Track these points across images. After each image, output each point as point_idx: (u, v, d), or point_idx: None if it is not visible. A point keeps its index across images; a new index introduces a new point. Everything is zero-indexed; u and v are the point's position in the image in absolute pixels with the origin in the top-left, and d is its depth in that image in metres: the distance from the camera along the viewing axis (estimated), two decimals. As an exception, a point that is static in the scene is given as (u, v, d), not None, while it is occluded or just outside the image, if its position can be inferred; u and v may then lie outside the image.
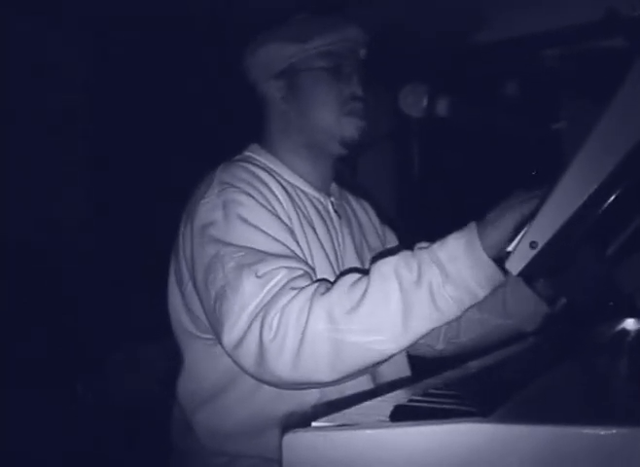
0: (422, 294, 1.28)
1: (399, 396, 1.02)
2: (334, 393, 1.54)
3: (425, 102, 1.50)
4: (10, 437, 2.66)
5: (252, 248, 1.45)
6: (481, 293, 1.27)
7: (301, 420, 0.88)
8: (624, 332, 1.55)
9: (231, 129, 1.89)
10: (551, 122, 1.19)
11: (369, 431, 0.84)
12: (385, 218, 2.05)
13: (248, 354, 1.36)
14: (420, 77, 1.53)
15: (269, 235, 1.49)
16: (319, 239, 1.67)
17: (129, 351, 2.85)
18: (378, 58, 1.74)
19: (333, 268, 1.66)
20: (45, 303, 2.98)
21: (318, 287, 1.37)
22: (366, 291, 1.31)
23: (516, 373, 1.19)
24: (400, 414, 0.90)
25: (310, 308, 1.32)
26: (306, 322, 1.31)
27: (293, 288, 1.37)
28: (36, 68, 3.25)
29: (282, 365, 1.32)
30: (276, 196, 1.61)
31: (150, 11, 3.28)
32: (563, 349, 1.42)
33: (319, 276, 1.56)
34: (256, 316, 1.36)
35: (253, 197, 1.55)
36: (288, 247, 1.50)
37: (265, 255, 1.44)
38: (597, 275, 1.04)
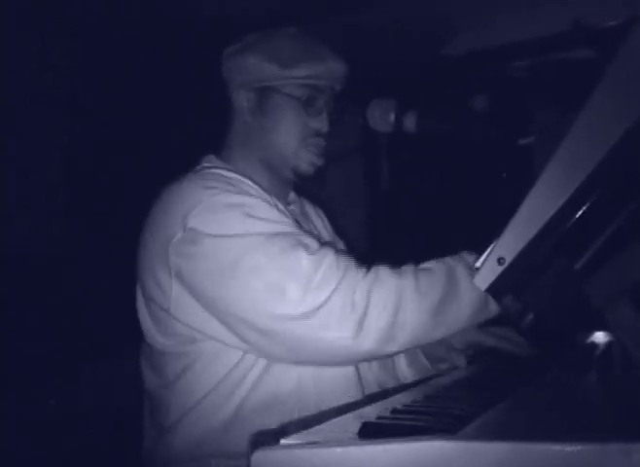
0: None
1: (368, 412, 1.02)
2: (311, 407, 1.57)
3: (393, 117, 1.49)
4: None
5: (279, 232, 1.48)
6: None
7: (269, 437, 0.88)
8: (594, 345, 1.55)
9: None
10: (520, 136, 1.19)
11: (337, 449, 0.84)
12: (335, 225, 2.06)
13: (325, 324, 1.41)
14: (388, 91, 1.52)
15: (285, 222, 1.55)
16: None
17: (102, 363, 2.86)
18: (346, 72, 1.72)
19: None
20: (31, 314, 2.99)
21: (385, 269, 1.45)
22: (438, 279, 1.44)
23: (485, 389, 1.19)
24: (368, 432, 0.90)
25: (391, 288, 1.41)
26: (388, 298, 1.40)
27: (357, 268, 1.45)
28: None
29: (362, 336, 1.40)
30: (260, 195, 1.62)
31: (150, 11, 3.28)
32: (532, 365, 1.43)
33: None
34: (333, 290, 1.40)
35: (248, 194, 1.56)
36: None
37: (299, 236, 1.49)
38: (566, 289, 1.04)
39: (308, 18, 3.24)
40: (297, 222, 1.74)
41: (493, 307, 1.41)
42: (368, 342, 1.39)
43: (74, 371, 3.03)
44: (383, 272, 1.43)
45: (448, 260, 1.47)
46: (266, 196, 1.65)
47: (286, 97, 1.68)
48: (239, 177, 1.69)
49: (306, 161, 1.71)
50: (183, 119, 3.56)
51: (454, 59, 3.46)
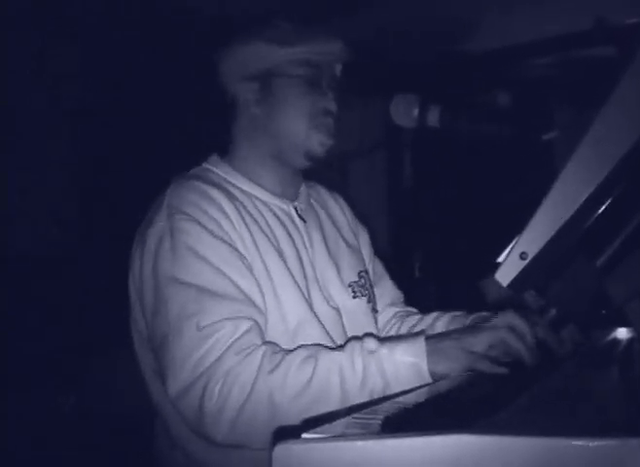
0: (362, 397, 1.35)
1: (389, 407, 1.02)
2: None
3: (416, 112, 1.49)
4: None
5: (198, 288, 1.45)
6: None
7: (291, 432, 0.88)
8: (616, 341, 1.54)
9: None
10: (543, 132, 1.18)
11: (359, 442, 0.83)
12: (358, 214, 2.04)
13: (188, 409, 1.41)
14: (411, 86, 1.52)
15: (217, 269, 1.48)
16: (279, 251, 1.64)
17: (109, 364, 2.85)
18: (370, 67, 1.72)
19: (294, 280, 1.63)
20: (31, 314, 2.98)
21: (263, 358, 1.39)
22: (310, 382, 1.36)
23: (505, 383, 1.19)
24: (390, 426, 0.90)
25: (254, 386, 1.36)
26: (247, 398, 1.36)
27: (237, 352, 1.40)
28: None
29: (217, 430, 1.38)
30: (228, 216, 1.58)
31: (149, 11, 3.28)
32: (553, 359, 1.42)
33: (278, 289, 1.58)
34: (198, 377, 1.39)
35: (202, 225, 1.52)
36: (236, 283, 1.49)
37: (208, 301, 1.44)
38: (588, 286, 1.04)
39: (309, 19, 3.26)
40: (301, 218, 1.76)
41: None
42: (222, 436, 1.39)
43: (74, 371, 3.02)
44: (256, 365, 1.39)
45: (333, 358, 1.40)
46: (237, 213, 1.61)
47: (289, 79, 1.68)
48: (239, 180, 1.70)
49: (317, 141, 1.70)
50: (183, 119, 3.55)
51: (477, 56, 3.46)
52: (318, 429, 0.90)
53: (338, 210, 1.96)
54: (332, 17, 3.36)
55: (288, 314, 1.59)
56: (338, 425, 0.93)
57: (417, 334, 1.46)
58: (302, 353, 1.42)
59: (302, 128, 1.69)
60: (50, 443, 2.80)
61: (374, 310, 1.82)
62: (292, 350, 1.45)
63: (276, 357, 1.41)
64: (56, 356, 2.99)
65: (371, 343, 1.41)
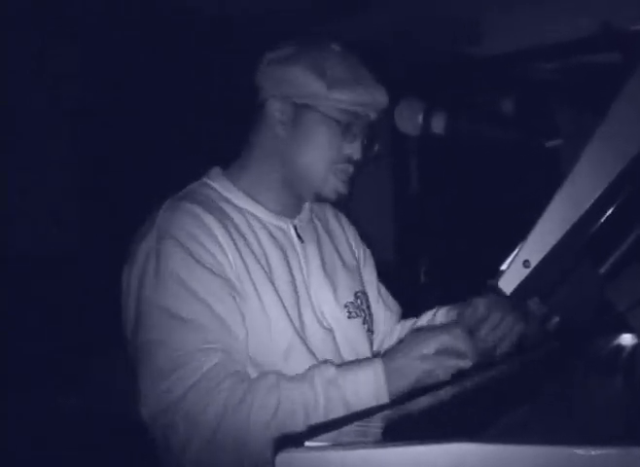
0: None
1: (392, 415, 1.02)
2: None
3: (421, 119, 1.48)
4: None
5: (174, 314, 1.44)
6: None
7: (294, 440, 0.88)
8: (620, 348, 1.54)
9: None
10: (547, 138, 1.18)
11: (362, 451, 0.83)
12: (359, 229, 1.99)
13: (156, 436, 1.43)
14: (415, 93, 1.51)
15: (195, 296, 1.47)
16: (270, 276, 1.61)
17: (117, 363, 2.85)
18: (374, 69, 1.70)
19: (281, 300, 1.59)
20: (31, 314, 2.98)
21: (229, 395, 1.40)
22: (274, 416, 1.38)
23: (509, 392, 1.19)
24: (393, 434, 0.90)
25: (219, 424, 1.37)
26: (212, 436, 1.37)
27: (203, 388, 1.39)
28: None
29: (184, 461, 1.39)
30: (218, 241, 1.54)
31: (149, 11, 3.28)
32: (557, 367, 1.42)
33: (268, 311, 1.56)
34: (165, 409, 1.39)
35: (188, 251, 1.49)
36: (215, 312, 1.48)
37: (184, 329, 1.44)
38: (591, 293, 1.04)
39: (310, 18, 3.26)
40: (299, 238, 1.72)
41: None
42: (189, 466, 1.40)
43: (74, 371, 3.03)
44: (221, 400, 1.39)
45: (295, 392, 1.42)
46: (227, 236, 1.57)
47: (325, 118, 1.61)
48: (238, 197, 1.66)
49: (332, 186, 1.65)
50: (183, 119, 3.56)
51: (481, 61, 3.45)
52: (321, 437, 0.90)
53: (339, 230, 1.91)
54: (332, 17, 3.38)
55: (277, 336, 1.57)
56: (341, 433, 0.93)
57: (374, 357, 1.53)
58: (265, 382, 1.43)
59: (320, 170, 1.64)
60: (50, 443, 2.81)
61: (370, 331, 1.80)
62: (256, 379, 1.47)
63: (240, 390, 1.41)
64: (56, 356, 3.00)
65: (329, 371, 1.43)
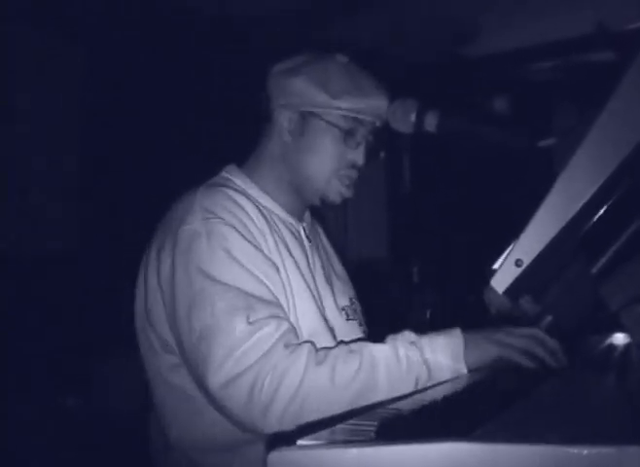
0: (408, 386, 1.41)
1: (385, 414, 1.02)
2: None
3: (413, 117, 1.49)
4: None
5: (239, 289, 1.47)
6: None
7: (286, 438, 0.88)
8: (613, 347, 1.54)
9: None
10: (540, 138, 1.18)
11: (354, 449, 0.83)
12: (331, 241, 2.05)
13: (233, 399, 1.40)
14: (409, 92, 1.52)
15: (254, 274, 1.51)
16: (296, 262, 1.68)
17: (117, 364, 2.86)
18: (370, 69, 1.71)
19: (311, 291, 1.67)
20: (32, 314, 2.98)
21: (310, 353, 1.42)
22: (357, 372, 1.40)
23: (501, 391, 1.19)
24: (385, 433, 0.90)
25: (303, 377, 1.38)
26: (297, 389, 1.37)
27: (286, 345, 1.42)
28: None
29: (266, 422, 1.38)
30: (255, 223, 1.61)
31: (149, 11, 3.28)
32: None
33: (297, 301, 1.61)
34: (249, 367, 1.39)
35: (236, 229, 1.55)
36: (270, 288, 1.52)
37: (253, 300, 1.47)
38: (584, 292, 1.04)
39: (310, 19, 3.26)
40: (308, 239, 1.80)
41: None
42: (270, 427, 1.39)
43: (74, 371, 3.03)
44: (304, 358, 1.41)
45: (377, 349, 1.45)
46: (263, 220, 1.65)
47: (328, 125, 1.68)
48: (257, 193, 1.72)
49: (336, 190, 1.73)
50: (183, 119, 3.56)
51: (476, 61, 3.45)
52: (313, 436, 0.90)
53: (325, 239, 2.00)
54: (331, 17, 3.38)
55: (302, 323, 1.61)
56: (334, 432, 0.93)
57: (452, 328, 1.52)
58: (345, 348, 1.47)
59: (325, 175, 1.71)
60: (50, 443, 2.81)
61: (366, 333, 1.85)
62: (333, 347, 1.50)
63: (321, 352, 1.45)
64: (56, 356, 3.00)
65: (410, 335, 1.47)
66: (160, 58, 3.44)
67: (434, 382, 1.41)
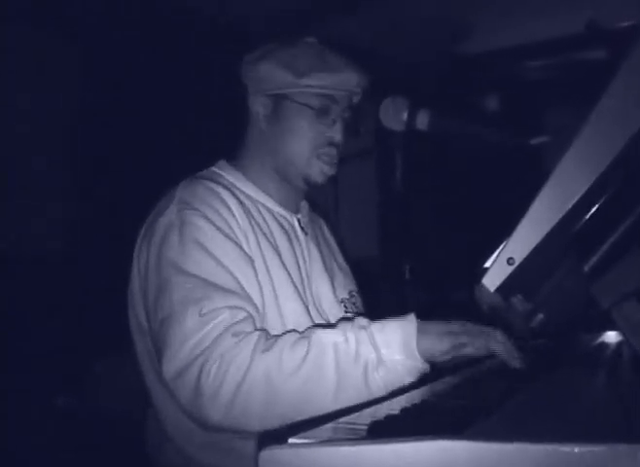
0: (357, 371, 1.38)
1: (376, 412, 1.02)
2: None
3: (405, 115, 1.50)
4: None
5: (202, 279, 1.48)
6: (408, 380, 1.39)
7: (277, 436, 0.88)
8: (604, 345, 1.54)
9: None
10: (531, 136, 1.18)
11: (346, 448, 0.83)
12: (337, 236, 2.08)
13: (183, 390, 1.41)
14: (401, 90, 1.53)
15: (222, 265, 1.52)
16: (280, 256, 1.68)
17: (108, 363, 2.86)
18: (366, 68, 1.72)
19: (295, 285, 1.67)
20: (32, 314, 2.98)
21: (259, 340, 1.42)
22: (305, 358, 1.38)
23: (493, 389, 1.19)
24: (377, 431, 0.90)
25: (250, 365, 1.38)
26: (244, 377, 1.37)
27: (234, 334, 1.42)
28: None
29: (214, 411, 1.38)
30: (235, 216, 1.62)
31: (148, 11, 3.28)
32: (542, 364, 1.42)
33: (277, 289, 1.62)
34: (196, 357, 1.40)
35: (210, 221, 1.56)
36: (237, 279, 1.52)
37: (212, 290, 1.47)
38: (576, 290, 1.04)
39: (309, 18, 3.26)
40: (303, 231, 1.81)
41: (374, 389, 1.39)
42: (218, 417, 1.39)
43: (74, 371, 3.03)
44: (251, 346, 1.41)
45: (325, 334, 1.43)
46: (244, 214, 1.65)
47: (299, 106, 1.70)
48: (245, 185, 1.73)
49: (318, 170, 1.73)
50: (183, 119, 3.56)
51: (468, 59, 3.46)
52: (305, 434, 0.90)
53: (328, 233, 2.02)
54: (331, 16, 3.38)
55: (286, 315, 1.62)
56: (325, 430, 0.93)
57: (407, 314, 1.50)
58: (294, 334, 1.46)
59: (305, 156, 1.72)
60: (49, 443, 2.81)
61: None
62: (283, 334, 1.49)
63: (270, 340, 1.44)
64: (56, 356, 2.99)
65: (362, 321, 1.45)
66: (159, 58, 3.44)
67: (385, 367, 1.38)
